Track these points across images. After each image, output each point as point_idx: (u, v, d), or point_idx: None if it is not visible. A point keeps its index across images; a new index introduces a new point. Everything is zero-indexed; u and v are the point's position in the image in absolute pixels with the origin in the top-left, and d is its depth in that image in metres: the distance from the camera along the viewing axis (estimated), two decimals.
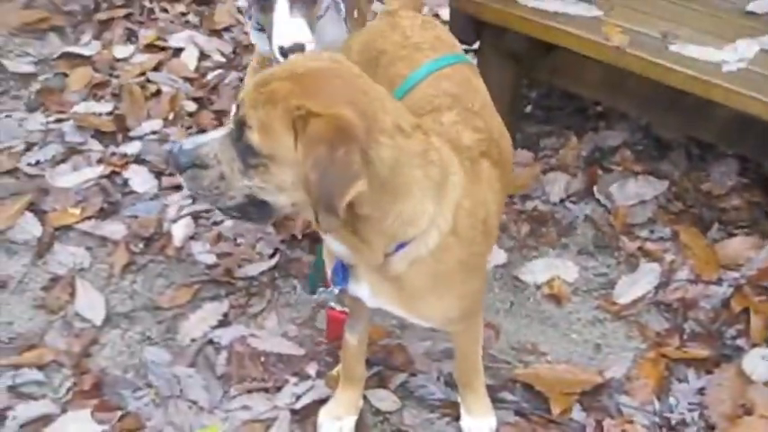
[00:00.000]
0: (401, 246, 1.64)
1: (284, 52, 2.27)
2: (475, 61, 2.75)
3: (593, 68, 2.77)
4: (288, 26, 2.29)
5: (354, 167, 1.44)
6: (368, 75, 1.66)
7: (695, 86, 2.48)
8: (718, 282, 2.62)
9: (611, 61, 2.57)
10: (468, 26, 2.84)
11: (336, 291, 1.78)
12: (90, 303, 2.54)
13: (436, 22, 2.38)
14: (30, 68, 3.49)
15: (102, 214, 2.83)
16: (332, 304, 2.13)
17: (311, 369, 2.37)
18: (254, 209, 1.60)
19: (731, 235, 2.77)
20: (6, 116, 3.23)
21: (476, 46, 3.04)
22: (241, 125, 1.51)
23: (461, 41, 3.05)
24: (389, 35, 2.19)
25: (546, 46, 2.79)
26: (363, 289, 1.78)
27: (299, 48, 2.25)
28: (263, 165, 1.50)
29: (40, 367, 2.36)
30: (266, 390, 2.32)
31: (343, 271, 1.75)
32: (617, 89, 2.84)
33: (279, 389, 2.32)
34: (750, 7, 2.75)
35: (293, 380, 2.34)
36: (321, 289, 1.81)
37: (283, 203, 1.56)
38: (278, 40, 2.30)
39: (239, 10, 3.75)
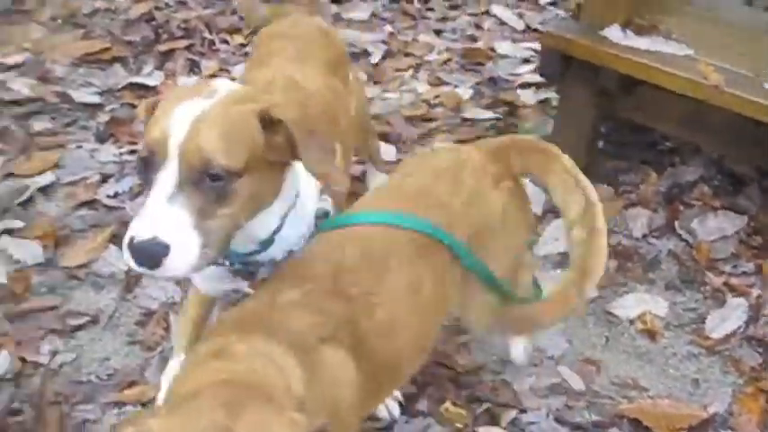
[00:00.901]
0: None
1: (135, 250, 1.51)
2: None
3: (677, 105, 2.81)
4: (156, 214, 1.51)
5: None
6: None
7: None
8: None
9: (707, 99, 2.61)
10: (554, 62, 2.87)
11: None
12: None
13: None
14: (95, 99, 3.47)
15: None
16: None
17: (421, 405, 2.35)
18: None
19: None
20: (78, 146, 3.21)
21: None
22: None
23: (546, 77, 3.10)
24: None
25: (632, 83, 2.82)
26: None
27: (157, 252, 1.49)
28: None
29: (144, 404, 2.32)
30: None
31: None
32: (699, 125, 2.87)
33: None
34: None
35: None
36: None
37: None
38: (133, 229, 1.52)
39: None
